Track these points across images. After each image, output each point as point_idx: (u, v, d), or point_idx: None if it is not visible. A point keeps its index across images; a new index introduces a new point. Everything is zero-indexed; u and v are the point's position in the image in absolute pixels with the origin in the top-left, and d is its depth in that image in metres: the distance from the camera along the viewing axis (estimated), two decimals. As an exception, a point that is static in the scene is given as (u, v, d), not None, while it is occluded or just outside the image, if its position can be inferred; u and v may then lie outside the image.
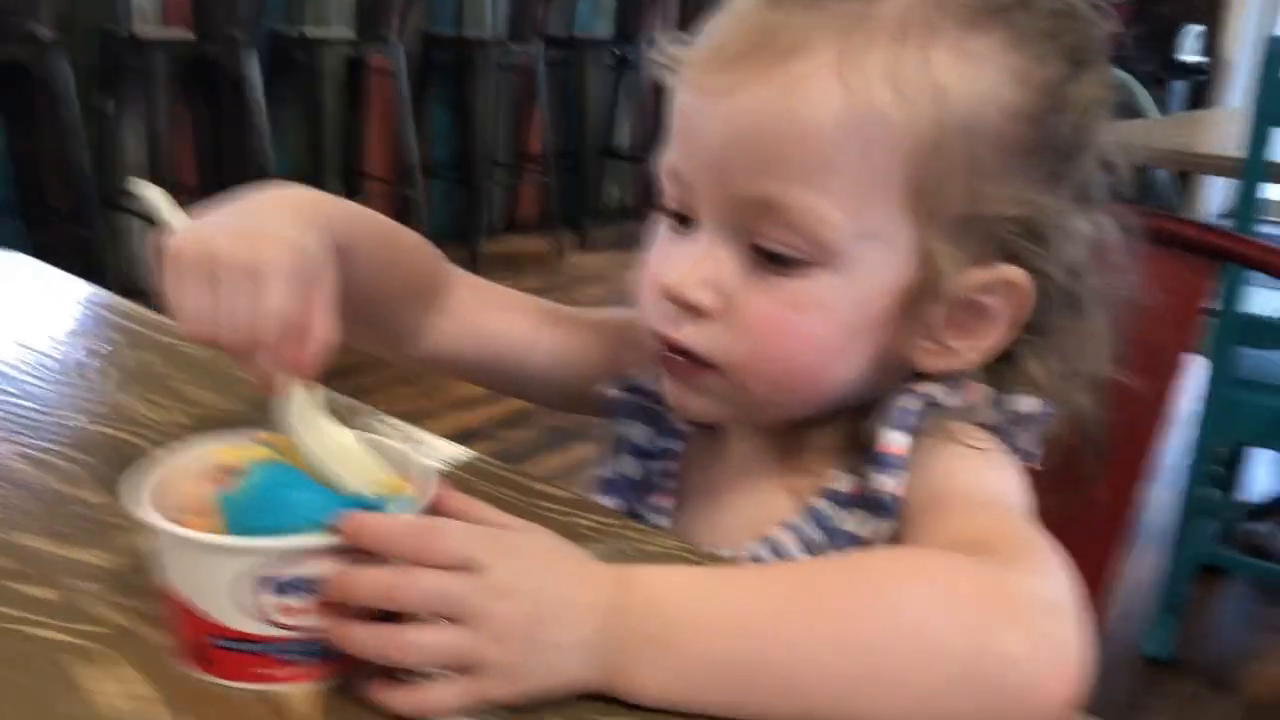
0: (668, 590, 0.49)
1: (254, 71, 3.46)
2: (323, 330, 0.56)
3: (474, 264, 4.22)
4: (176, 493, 0.53)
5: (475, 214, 4.27)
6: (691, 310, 0.61)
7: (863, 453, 0.65)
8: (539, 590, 0.47)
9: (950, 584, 0.48)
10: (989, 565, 0.49)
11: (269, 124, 3.57)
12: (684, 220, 0.64)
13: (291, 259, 0.56)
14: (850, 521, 0.63)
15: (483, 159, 4.31)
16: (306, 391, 0.56)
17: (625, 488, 0.74)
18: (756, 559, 0.65)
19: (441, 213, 4.54)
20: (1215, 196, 5.49)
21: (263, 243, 0.56)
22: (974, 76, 0.57)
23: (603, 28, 4.98)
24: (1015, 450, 0.64)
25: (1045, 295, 0.62)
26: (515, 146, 4.79)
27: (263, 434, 0.55)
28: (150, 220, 0.61)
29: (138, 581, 0.57)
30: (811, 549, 0.64)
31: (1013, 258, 0.60)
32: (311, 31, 3.83)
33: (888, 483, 0.60)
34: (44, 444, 0.72)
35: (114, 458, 0.70)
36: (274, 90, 3.76)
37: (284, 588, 0.48)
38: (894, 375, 0.63)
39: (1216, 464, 2.18)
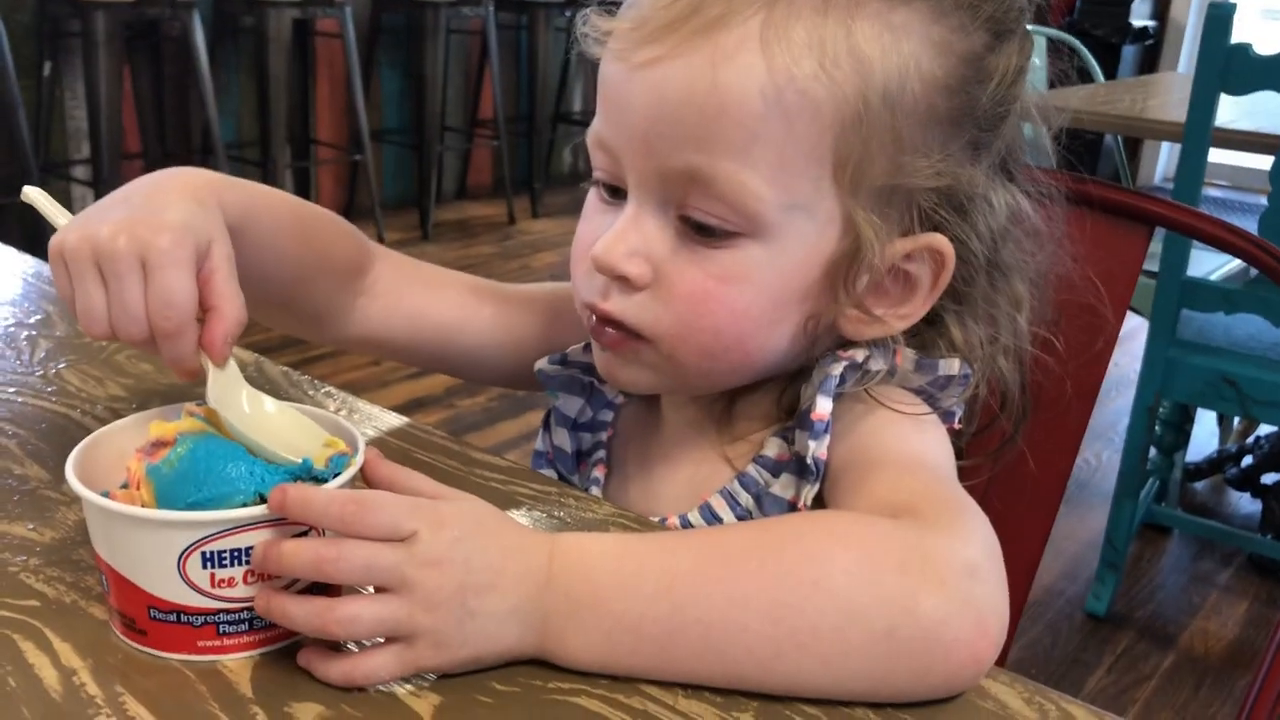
0: (595, 555, 0.49)
1: (198, 35, 3.39)
2: (231, 308, 0.56)
3: (426, 230, 4.19)
4: (111, 466, 0.53)
5: (427, 180, 4.23)
6: (620, 281, 0.61)
7: (793, 418, 0.66)
8: (469, 559, 0.47)
9: (869, 546, 0.49)
10: (909, 528, 0.50)
11: (215, 89, 3.51)
12: (613, 191, 0.64)
13: (175, 241, 0.54)
14: (777, 485, 0.64)
15: (434, 124, 4.26)
16: (222, 370, 0.56)
17: (560, 459, 0.74)
18: (689, 526, 0.65)
19: (393, 179, 4.49)
20: (1162, 161, 5.56)
21: (144, 229, 0.54)
22: (896, 48, 0.58)
23: (555, -10, 4.94)
24: (937, 410, 0.65)
25: (966, 263, 0.62)
26: (467, 111, 4.74)
27: (192, 405, 0.55)
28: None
29: (73, 555, 0.57)
30: (743, 515, 0.65)
31: (935, 227, 0.61)
32: (257, -6, 3.76)
33: (811, 446, 0.60)
34: (-25, 417, 0.71)
35: (47, 430, 0.70)
36: (219, 55, 3.70)
37: (216, 559, 0.48)
38: (823, 343, 0.64)
39: (1165, 424, 2.22)
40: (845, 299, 0.61)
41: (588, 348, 0.75)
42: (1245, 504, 2.52)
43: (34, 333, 0.85)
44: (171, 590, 0.48)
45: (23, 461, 0.66)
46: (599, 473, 0.72)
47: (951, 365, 0.63)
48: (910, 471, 0.58)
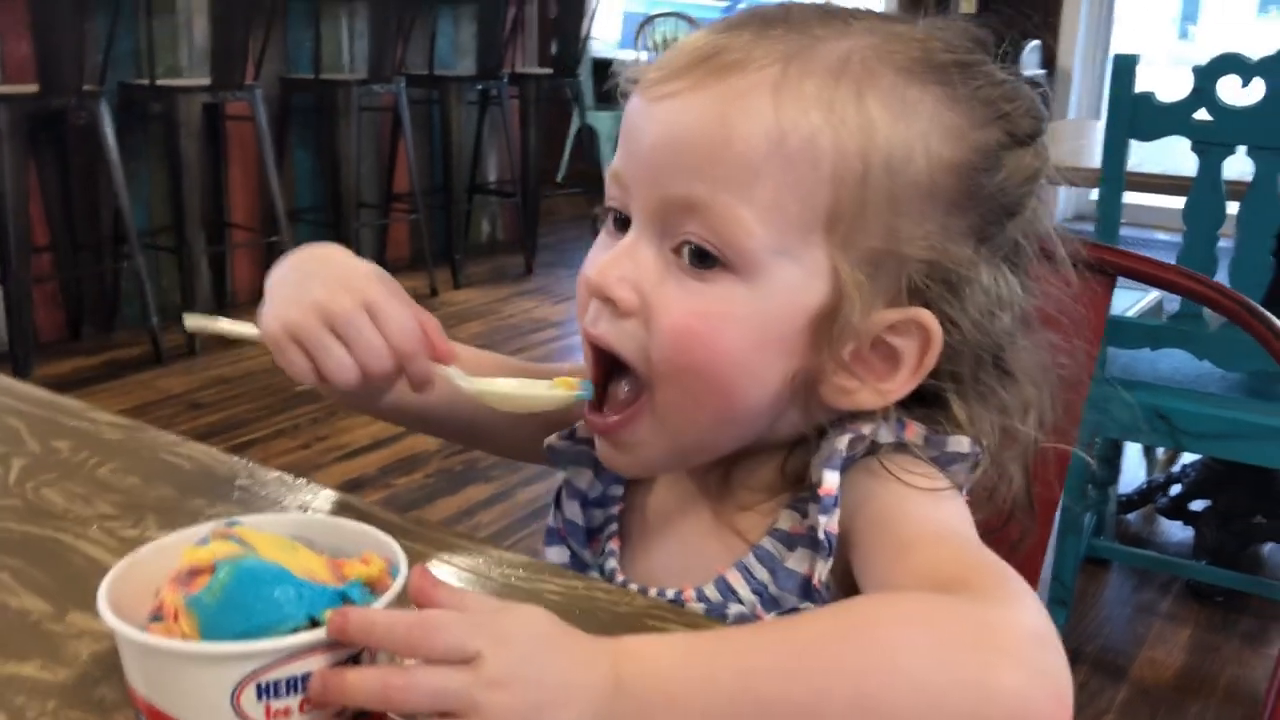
0: (665, 661, 0.48)
1: (106, 123, 3.33)
2: (425, 317, 0.66)
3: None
4: (138, 597, 0.51)
5: (345, 257, 4.19)
6: (609, 305, 0.63)
7: (804, 491, 0.66)
8: (538, 677, 0.46)
9: (939, 626, 0.49)
10: (970, 601, 0.50)
11: (125, 177, 3.44)
12: (622, 223, 0.66)
13: (380, 281, 0.65)
14: (792, 559, 0.64)
15: (350, 201, 4.23)
16: (452, 368, 0.67)
17: (573, 534, 0.74)
18: (705, 600, 0.65)
19: (310, 258, 4.43)
20: (1061, 203, 5.75)
21: (354, 283, 0.65)
22: (905, 120, 0.60)
23: (464, 64, 4.96)
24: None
25: (956, 347, 0.63)
26: (382, 187, 4.72)
27: (221, 526, 0.53)
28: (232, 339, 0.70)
29: (94, 695, 0.54)
30: (759, 589, 0.65)
31: (925, 303, 0.62)
32: (166, 80, 3.71)
33: (821, 521, 0.61)
34: (-41, 548, 0.68)
35: (40, 558, 0.67)
36: (128, 142, 3.63)
37: (272, 690, 0.46)
38: (815, 411, 0.64)
39: (1098, 459, 2.28)
40: (828, 362, 0.62)
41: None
42: (1177, 531, 2.59)
43: (4, 449, 0.82)
44: (223, 726, 0.46)
45: (18, 593, 0.63)
46: (614, 545, 0.72)
47: (961, 443, 0.64)
48: (944, 542, 0.58)
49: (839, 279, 0.61)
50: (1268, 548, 2.50)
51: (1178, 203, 1.91)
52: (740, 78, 0.60)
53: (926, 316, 0.62)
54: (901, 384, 0.63)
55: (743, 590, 0.65)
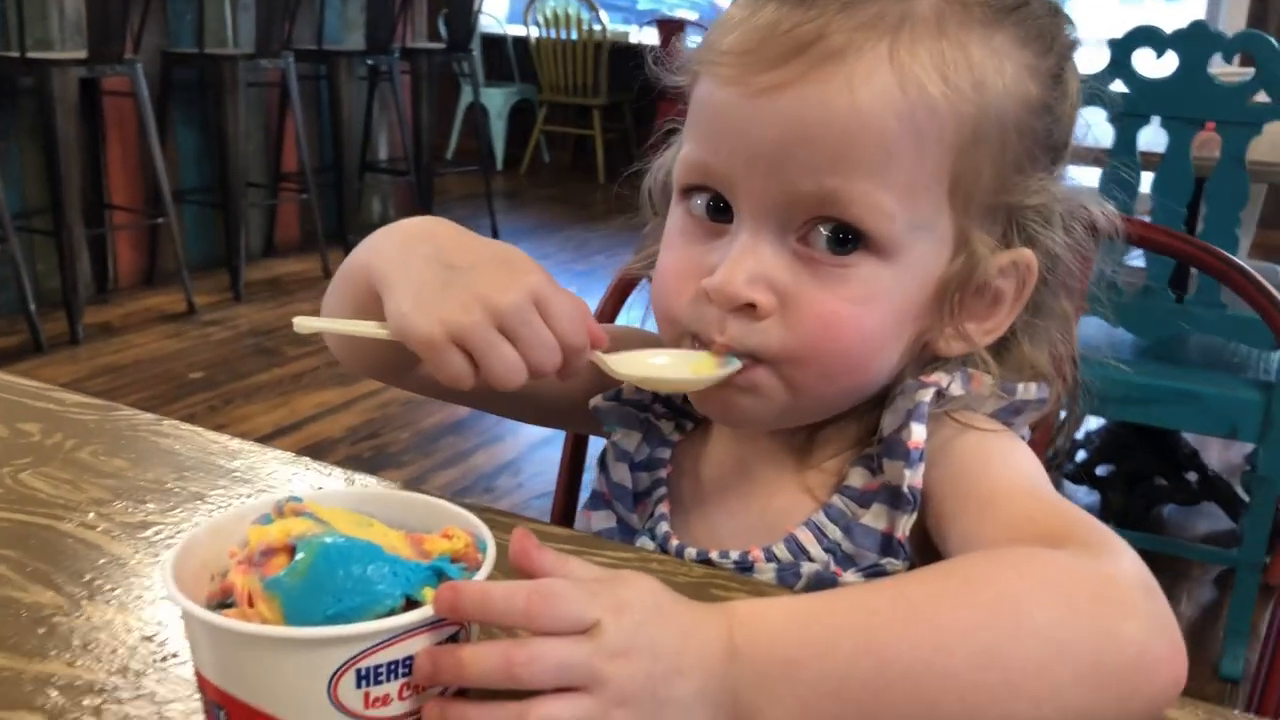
0: (779, 626, 0.47)
1: (-26, 99, 3.13)
2: (583, 304, 0.61)
3: (238, 291, 3.99)
4: (193, 582, 0.47)
5: (234, 239, 4.01)
6: (741, 310, 0.60)
7: (873, 445, 0.65)
8: (654, 645, 0.44)
9: (1058, 580, 0.48)
10: (1082, 555, 0.50)
11: (-4, 156, 3.25)
12: (718, 214, 0.62)
13: (539, 269, 0.59)
14: (868, 516, 0.63)
15: (237, 181, 4.06)
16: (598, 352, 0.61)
17: (620, 497, 0.71)
18: (775, 559, 0.63)
19: (197, 240, 4.26)
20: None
21: (518, 273, 0.59)
22: (1001, 70, 0.60)
23: (354, 39, 4.81)
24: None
25: (1043, 276, 0.64)
26: (271, 166, 4.55)
27: (291, 502, 0.49)
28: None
29: (140, 688, 0.50)
30: (831, 547, 0.63)
31: (1029, 240, 0.63)
32: (37, 53, 3.51)
33: (907, 475, 0.60)
34: (-59, 541, 0.62)
35: (39, 548, 0.61)
36: (-2, 119, 3.43)
37: (372, 676, 0.42)
38: (916, 363, 0.64)
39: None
40: (943, 317, 0.62)
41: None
42: (1084, 496, 2.68)
43: (-33, 439, 0.75)
44: (318, 718, 0.42)
45: (25, 587, 0.57)
46: (664, 509, 0.70)
47: (1030, 389, 0.64)
48: (1029, 495, 0.58)
49: (963, 241, 0.61)
50: (1169, 508, 2.60)
51: (1093, 174, 1.96)
52: (857, 61, 0.57)
53: (1028, 255, 0.62)
54: (1003, 321, 0.64)
55: (814, 549, 0.64)
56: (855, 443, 0.66)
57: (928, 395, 0.61)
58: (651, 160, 0.72)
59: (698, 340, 0.63)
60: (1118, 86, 1.87)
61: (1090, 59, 1.87)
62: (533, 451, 2.90)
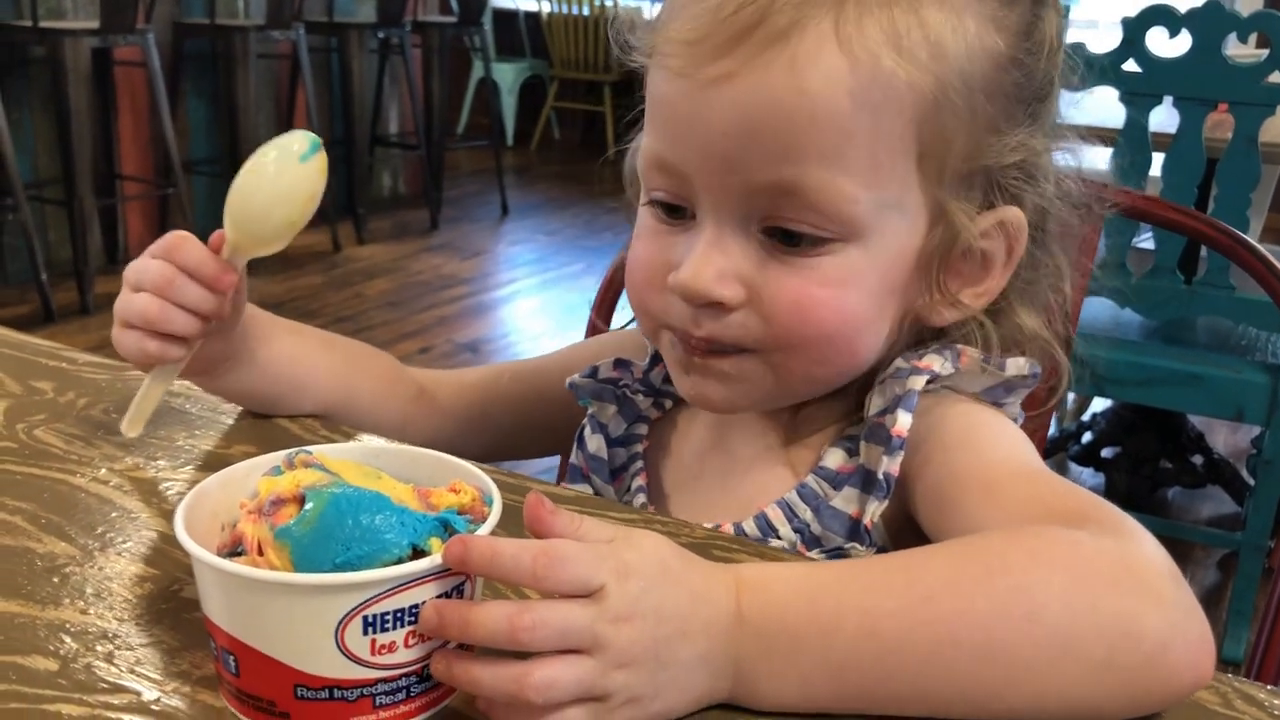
0: (786, 594, 0.46)
1: (-14, 67, 3.14)
2: None
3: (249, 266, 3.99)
4: (208, 534, 0.48)
5: (244, 211, 4.03)
6: (713, 306, 0.59)
7: (853, 426, 0.64)
8: (659, 608, 0.44)
9: (1077, 567, 0.47)
10: (1102, 538, 0.48)
11: (7, 126, 3.25)
12: (672, 210, 0.62)
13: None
14: (838, 499, 0.62)
15: (247, 152, 4.00)
16: None
17: (597, 470, 0.72)
18: (743, 534, 0.63)
19: (207, 212, 4.26)
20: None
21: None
22: (962, 27, 0.57)
23: (365, 11, 4.80)
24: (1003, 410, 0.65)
25: (1032, 233, 0.63)
26: (281, 138, 4.56)
27: (303, 453, 0.49)
28: None
29: (152, 635, 0.50)
30: (800, 527, 0.63)
31: (1012, 199, 0.61)
32: (49, 22, 3.51)
33: (885, 461, 0.59)
34: (-43, 493, 0.62)
35: (53, 501, 0.62)
36: (10, 88, 3.43)
37: (379, 623, 0.43)
38: (906, 336, 0.63)
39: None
40: (930, 287, 0.61)
41: (618, 364, 0.72)
42: (1089, 478, 2.68)
43: (-21, 395, 0.76)
44: (325, 664, 0.43)
45: (39, 538, 0.58)
46: (641, 481, 0.70)
47: (1020, 364, 0.63)
48: (1031, 477, 0.57)
49: (940, 211, 0.59)
50: (1174, 491, 2.60)
51: (1104, 154, 1.95)
52: (800, 39, 0.55)
53: (1014, 214, 0.61)
54: (996, 282, 0.63)
55: (783, 528, 0.63)
56: (841, 417, 0.66)
57: (919, 383, 0.60)
58: (633, 139, 0.69)
59: (674, 333, 0.62)
60: (1130, 66, 1.86)
61: (1103, 38, 1.87)
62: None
